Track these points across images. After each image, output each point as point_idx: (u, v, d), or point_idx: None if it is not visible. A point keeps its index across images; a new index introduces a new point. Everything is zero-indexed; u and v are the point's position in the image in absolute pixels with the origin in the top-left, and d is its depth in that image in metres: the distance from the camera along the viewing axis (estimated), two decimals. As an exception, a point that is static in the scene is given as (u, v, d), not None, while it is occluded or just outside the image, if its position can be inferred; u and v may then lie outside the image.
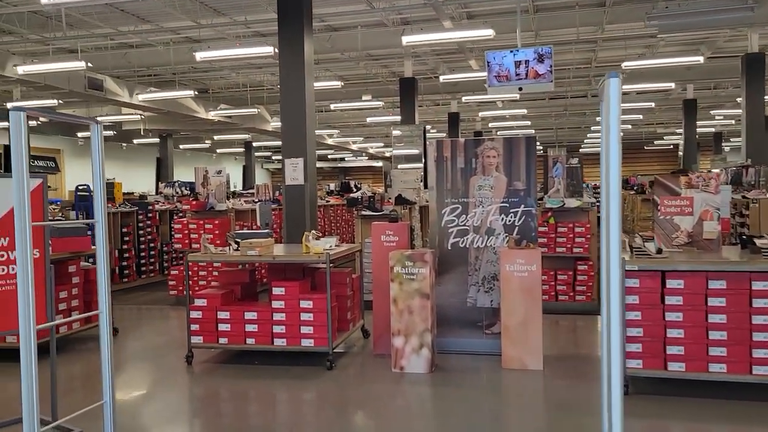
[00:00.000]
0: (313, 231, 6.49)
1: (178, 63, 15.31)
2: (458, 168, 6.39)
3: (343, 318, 6.47)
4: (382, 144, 33.06)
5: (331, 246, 6.37)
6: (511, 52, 8.11)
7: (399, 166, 13.41)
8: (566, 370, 5.72)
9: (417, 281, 5.69)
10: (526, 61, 8.08)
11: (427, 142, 6.42)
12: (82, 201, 10.14)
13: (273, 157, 39.02)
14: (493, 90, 8.34)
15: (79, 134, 24.46)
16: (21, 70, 11.50)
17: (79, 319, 7.00)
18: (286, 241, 8.47)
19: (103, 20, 12.79)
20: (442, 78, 13.00)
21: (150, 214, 12.15)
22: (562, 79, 18.33)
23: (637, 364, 4.92)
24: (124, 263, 11.42)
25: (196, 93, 15.28)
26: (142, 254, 11.92)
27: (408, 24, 13.33)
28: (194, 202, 9.79)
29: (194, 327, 6.11)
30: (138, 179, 26.96)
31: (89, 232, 9.64)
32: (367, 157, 37.52)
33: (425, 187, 9.44)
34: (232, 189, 24.10)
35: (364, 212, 9.19)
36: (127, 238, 11.49)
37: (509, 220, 6.26)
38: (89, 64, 11.36)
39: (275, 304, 5.99)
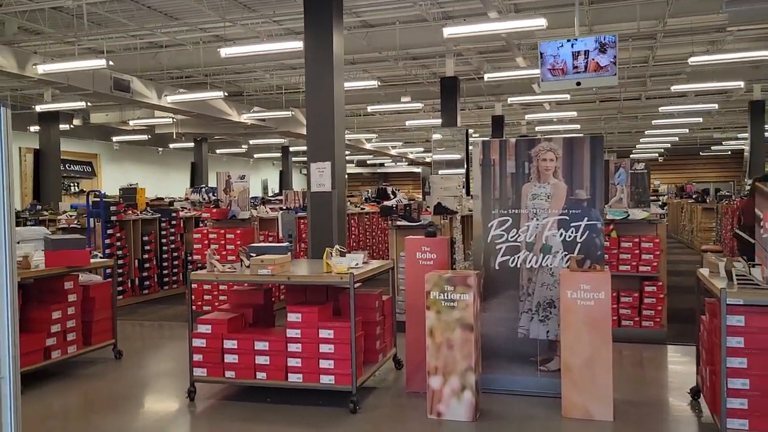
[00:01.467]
0: (338, 246, 5.57)
1: (209, 64, 14.66)
2: (508, 173, 5.39)
3: (371, 348, 5.53)
4: (422, 149, 32.11)
5: (357, 264, 5.44)
6: (569, 41, 7.07)
7: (439, 172, 12.45)
8: (640, 420, 4.66)
9: (458, 310, 4.71)
10: (586, 52, 7.04)
11: (472, 144, 5.45)
12: (95, 208, 9.45)
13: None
14: (547, 85, 7.31)
15: (114, 138, 24.17)
16: (41, 69, 10.94)
17: None
18: (311, 255, 7.59)
19: (130, 18, 12.18)
20: (486, 76, 11.99)
21: (174, 222, 11.44)
22: (616, 79, 17.06)
23: (741, 424, 3.84)
24: (145, 274, 10.71)
25: (226, 94, 14.60)
26: (165, 264, 11.21)
27: (450, 18, 12.37)
28: (215, 210, 9.00)
29: (197, 357, 5.25)
30: (175, 184, 26.57)
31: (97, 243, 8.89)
32: (407, 163, 36.59)
33: (467, 194, 8.46)
34: (269, 195, 23.49)
35: (399, 222, 8.24)
36: (148, 247, 10.79)
37: (569, 236, 5.23)
38: (111, 63, 10.73)
39: (290, 332, 5.09)
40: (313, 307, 5.11)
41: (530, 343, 5.31)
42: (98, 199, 9.34)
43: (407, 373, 5.44)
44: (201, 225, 12.11)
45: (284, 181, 29.82)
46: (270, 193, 28.94)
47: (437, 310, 4.75)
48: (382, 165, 37.69)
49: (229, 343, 5.18)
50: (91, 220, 9.71)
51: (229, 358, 5.18)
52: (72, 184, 23.40)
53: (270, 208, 10.02)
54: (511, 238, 5.37)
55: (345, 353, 4.95)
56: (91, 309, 6.48)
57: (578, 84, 7.17)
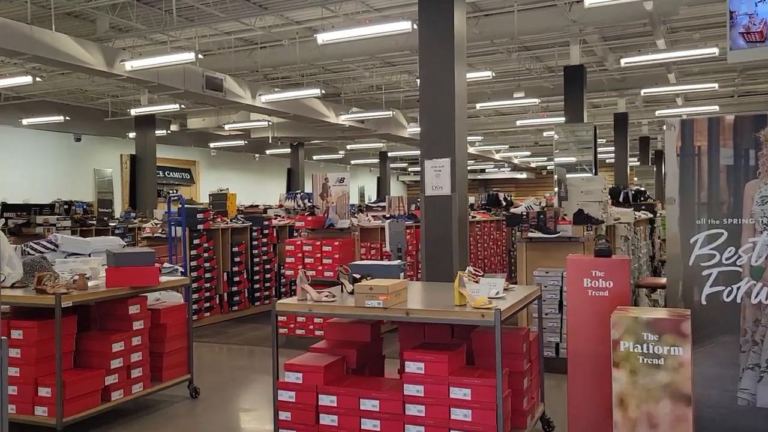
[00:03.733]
0: (471, 268, 4.10)
1: (305, 60, 13.64)
2: (722, 166, 3.74)
3: (518, 408, 4.01)
4: (528, 153, 30.09)
5: (497, 292, 3.96)
6: (773, -8, 5.28)
7: (568, 175, 10.75)
8: None
9: (666, 370, 3.12)
10: (798, 6, 5.21)
11: (668, 126, 3.83)
12: (178, 216, 8.45)
13: (409, 169, 37.18)
14: (737, 55, 5.51)
15: (212, 144, 23.82)
16: (129, 65, 10.19)
17: None
18: (425, 276, 6.15)
19: (223, 11, 11.29)
20: (623, 61, 10.18)
21: (266, 231, 10.36)
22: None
23: None
24: (234, 288, 9.66)
25: (323, 92, 13.49)
26: (256, 278, 10.13)
27: (578, -3, 10.66)
28: (310, 218, 7.77)
29: (284, 416, 3.93)
30: (271, 192, 26.01)
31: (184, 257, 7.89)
32: (509, 168, 34.58)
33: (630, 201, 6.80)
34: (366, 202, 22.40)
35: (531, 234, 6.66)
36: (238, 259, 9.74)
37: (823, 259, 3.51)
38: (201, 57, 9.82)
39: (409, 389, 3.66)
40: (440, 354, 3.66)
41: (758, 414, 3.62)
42: (181, 206, 8.32)
43: (569, 447, 3.88)
44: (295, 235, 11.00)
45: (382, 188, 28.70)
46: (366, 201, 27.89)
47: (632, 368, 3.18)
48: (483, 171, 35.89)
49: (327, 400, 3.82)
50: (178, 229, 8.74)
51: (327, 420, 3.82)
52: (171, 192, 23.23)
53: (372, 216, 8.69)
54: (727, 260, 3.70)
55: (489, 422, 3.48)
56: (162, 338, 5.33)
57: (784, 51, 5.35)
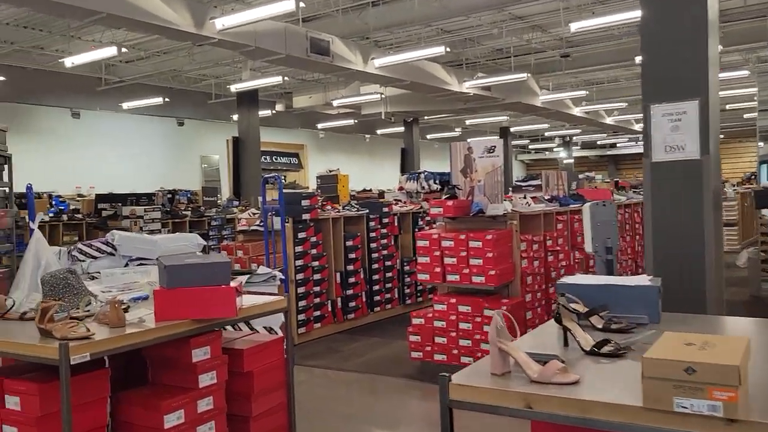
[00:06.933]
0: None
1: (425, 19, 11.53)
2: None
3: None
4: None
5: None
6: None
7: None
8: None
9: None
10: None
11: None
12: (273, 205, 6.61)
13: (530, 146, 34.20)
14: None
15: (319, 125, 22.22)
16: (220, 23, 8.49)
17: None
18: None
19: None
20: None
21: (386, 219, 8.40)
22: None
23: None
24: (349, 291, 7.78)
25: (448, 50, 11.30)
26: (375, 277, 8.20)
27: None
28: (450, 203, 5.68)
29: None
30: (384, 176, 24.22)
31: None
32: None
33: None
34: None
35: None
36: (353, 255, 7.84)
37: None
38: (304, 20, 7.91)
39: None
40: None
41: None
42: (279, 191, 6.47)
43: None
44: (420, 224, 9.01)
45: (504, 168, 26.18)
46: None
47: None
48: (613, 146, 32.29)
49: None
50: (278, 220, 6.93)
51: None
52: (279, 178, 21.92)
53: (533, 198, 6.46)
54: None
55: None
56: (248, 394, 3.41)
57: None
